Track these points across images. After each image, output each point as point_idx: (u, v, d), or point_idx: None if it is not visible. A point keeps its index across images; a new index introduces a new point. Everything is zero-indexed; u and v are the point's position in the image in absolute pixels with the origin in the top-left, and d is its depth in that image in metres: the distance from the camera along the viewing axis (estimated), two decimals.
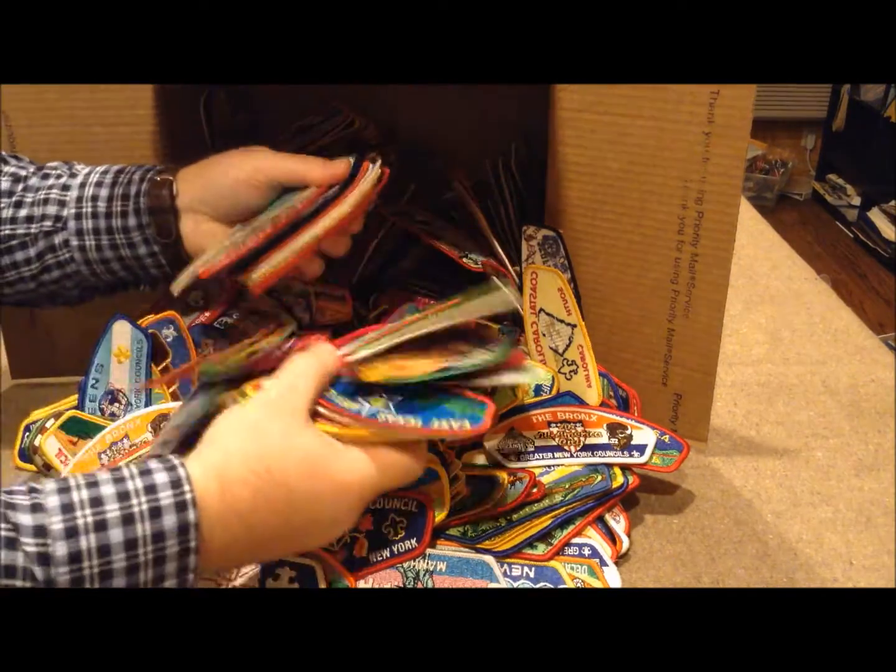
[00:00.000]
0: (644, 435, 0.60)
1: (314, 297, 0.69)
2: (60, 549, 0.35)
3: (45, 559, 0.35)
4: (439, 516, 0.53)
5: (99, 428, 0.59)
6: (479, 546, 0.54)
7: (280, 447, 0.42)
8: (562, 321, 0.66)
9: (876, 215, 3.06)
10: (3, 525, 0.35)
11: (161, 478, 0.38)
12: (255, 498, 0.40)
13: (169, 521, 0.37)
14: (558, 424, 0.61)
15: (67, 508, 0.36)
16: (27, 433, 0.62)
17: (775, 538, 0.60)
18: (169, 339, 0.63)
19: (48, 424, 0.61)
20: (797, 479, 0.66)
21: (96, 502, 0.36)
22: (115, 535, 0.36)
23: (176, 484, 0.38)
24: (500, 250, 0.71)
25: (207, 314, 0.65)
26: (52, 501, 0.36)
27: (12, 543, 0.35)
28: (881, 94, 3.06)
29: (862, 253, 3.08)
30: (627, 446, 0.59)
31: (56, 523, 0.35)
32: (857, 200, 3.21)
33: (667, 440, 0.60)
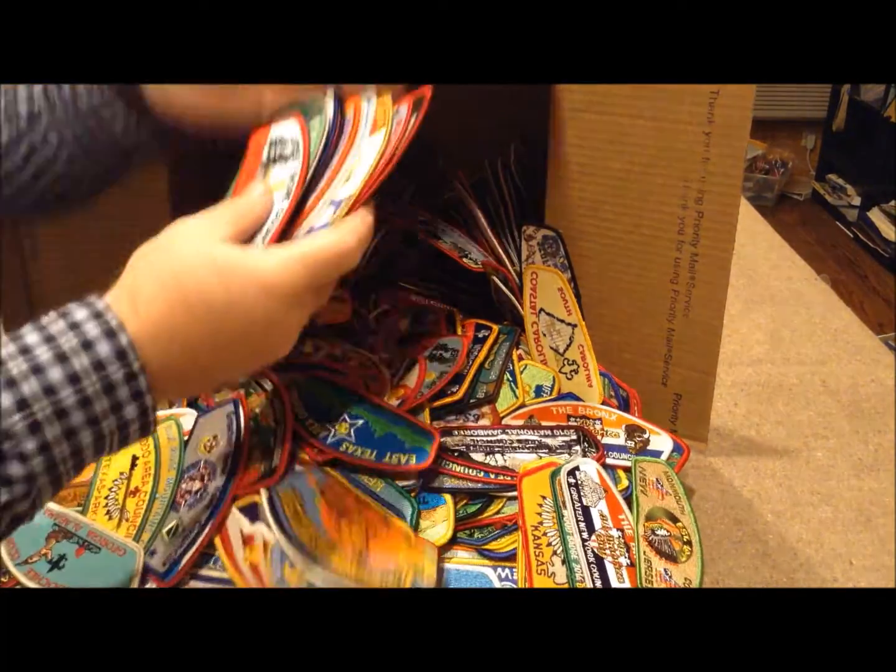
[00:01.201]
0: (661, 441, 0.60)
1: None
2: (6, 399, 0.35)
3: None
4: (443, 539, 0.53)
5: None
6: (484, 548, 0.54)
7: (190, 258, 0.41)
8: (562, 321, 0.66)
9: (876, 215, 3.06)
10: None
11: (81, 314, 0.38)
12: (171, 308, 0.40)
13: (103, 349, 0.37)
14: (577, 419, 0.61)
15: None
16: None
17: (775, 538, 0.60)
18: None
19: None
20: (797, 479, 0.66)
21: (25, 351, 0.36)
22: (55, 373, 0.36)
23: (97, 315, 0.38)
24: (500, 250, 0.71)
25: None
26: None
27: None
28: (881, 94, 3.06)
29: (862, 253, 3.08)
30: (643, 451, 0.59)
31: None
32: (857, 200, 3.20)
33: None
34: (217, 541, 0.51)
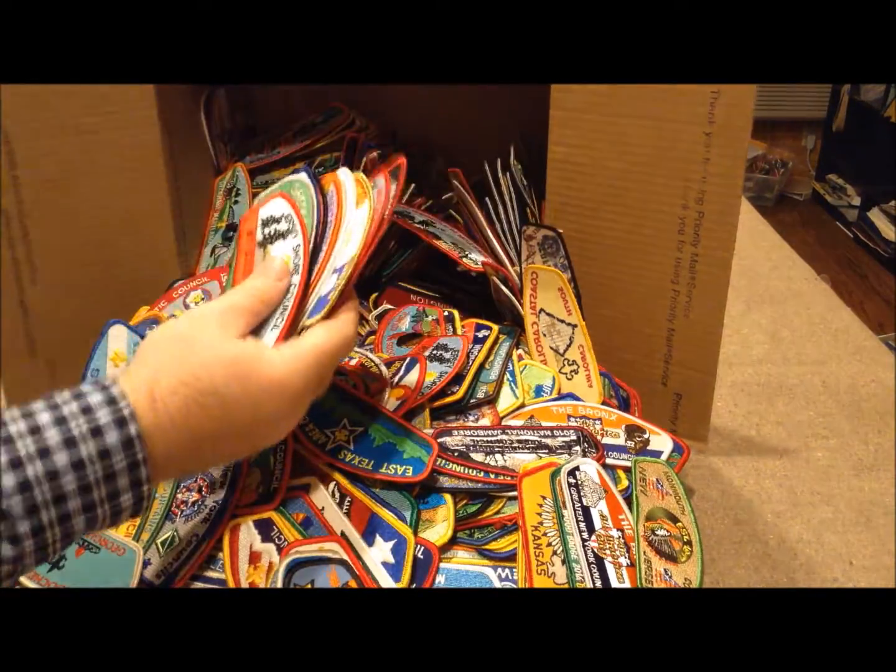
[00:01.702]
0: (661, 441, 0.60)
1: None
2: (8, 479, 0.35)
3: None
4: (443, 539, 0.53)
5: None
6: (484, 547, 0.54)
7: (207, 354, 0.43)
8: (562, 321, 0.66)
9: (876, 215, 3.06)
10: None
11: (95, 398, 0.38)
12: (187, 405, 0.41)
13: (111, 437, 0.37)
14: (577, 419, 0.61)
15: (7, 440, 0.36)
16: None
17: (775, 538, 0.60)
18: None
19: None
20: (797, 479, 0.66)
21: (35, 431, 0.36)
22: (61, 458, 0.36)
23: (111, 401, 0.38)
24: (500, 250, 0.71)
25: None
26: None
27: None
28: (881, 94, 3.06)
29: (862, 253, 3.08)
30: (643, 451, 0.59)
31: None
32: (857, 200, 3.20)
33: None
34: (225, 549, 0.51)
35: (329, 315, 0.48)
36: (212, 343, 0.43)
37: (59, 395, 0.38)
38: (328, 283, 0.49)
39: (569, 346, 0.66)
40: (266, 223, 0.54)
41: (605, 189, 0.64)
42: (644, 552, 0.50)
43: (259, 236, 0.54)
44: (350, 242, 0.50)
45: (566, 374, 0.66)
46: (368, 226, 0.50)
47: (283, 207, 0.54)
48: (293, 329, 0.48)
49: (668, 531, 0.52)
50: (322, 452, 0.55)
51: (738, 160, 0.58)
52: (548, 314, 0.66)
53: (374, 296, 0.74)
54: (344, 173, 0.56)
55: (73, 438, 0.37)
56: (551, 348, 0.67)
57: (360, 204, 0.53)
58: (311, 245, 0.51)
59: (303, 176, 0.56)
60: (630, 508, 0.54)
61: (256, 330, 0.48)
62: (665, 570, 0.50)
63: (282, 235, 0.53)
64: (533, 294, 0.67)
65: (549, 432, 0.59)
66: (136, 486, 0.39)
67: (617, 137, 0.61)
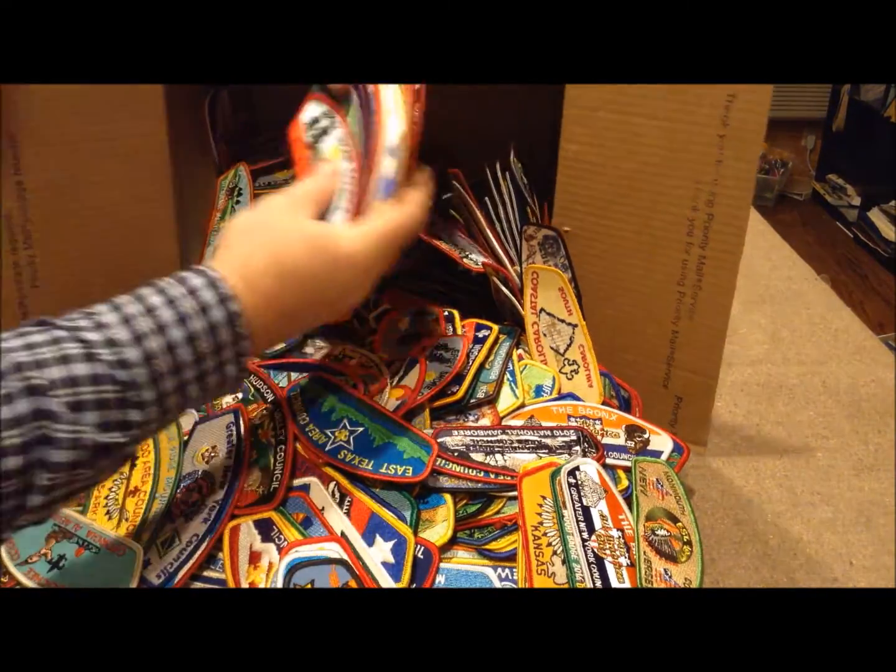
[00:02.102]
0: (661, 441, 0.60)
1: None
2: (133, 353, 0.39)
3: (122, 364, 0.39)
4: (443, 539, 0.53)
5: None
6: (484, 547, 0.54)
7: (288, 236, 0.47)
8: (563, 321, 0.66)
9: (876, 215, 3.06)
10: (75, 344, 0.38)
11: (197, 281, 0.43)
12: (276, 285, 0.45)
13: (217, 314, 0.42)
14: (578, 419, 0.61)
15: (127, 320, 0.40)
16: None
17: (775, 538, 0.60)
18: None
19: None
20: (797, 479, 0.66)
21: (150, 310, 0.41)
22: (176, 333, 0.41)
23: (213, 284, 0.43)
24: (500, 250, 0.71)
25: None
26: (111, 318, 0.40)
27: (90, 357, 0.38)
28: (881, 94, 3.06)
29: (862, 253, 3.08)
30: (643, 451, 0.59)
31: (122, 333, 0.39)
32: (857, 200, 3.20)
33: None
34: (225, 549, 0.51)
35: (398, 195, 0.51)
36: (290, 226, 0.48)
37: (161, 280, 0.43)
38: (387, 165, 0.51)
39: (569, 345, 0.66)
40: (310, 125, 0.57)
41: (615, 188, 0.63)
42: (644, 552, 0.50)
43: (307, 139, 0.57)
44: (392, 122, 0.52)
45: (566, 373, 0.66)
46: (404, 97, 0.53)
47: (319, 107, 0.57)
48: (361, 209, 0.51)
49: (668, 531, 0.52)
50: (322, 452, 0.55)
51: (751, 164, 0.58)
52: (548, 314, 0.66)
53: (373, 296, 0.74)
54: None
55: (185, 315, 0.41)
56: (551, 348, 0.66)
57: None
58: (359, 130, 0.54)
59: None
60: (630, 508, 0.54)
61: (321, 217, 0.51)
62: (665, 570, 0.50)
63: (325, 131, 0.56)
64: (533, 294, 0.67)
65: (549, 432, 0.59)
66: (239, 357, 0.44)
67: (629, 136, 0.61)
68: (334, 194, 0.52)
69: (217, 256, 0.46)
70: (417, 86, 0.55)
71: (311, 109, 0.58)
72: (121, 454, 0.40)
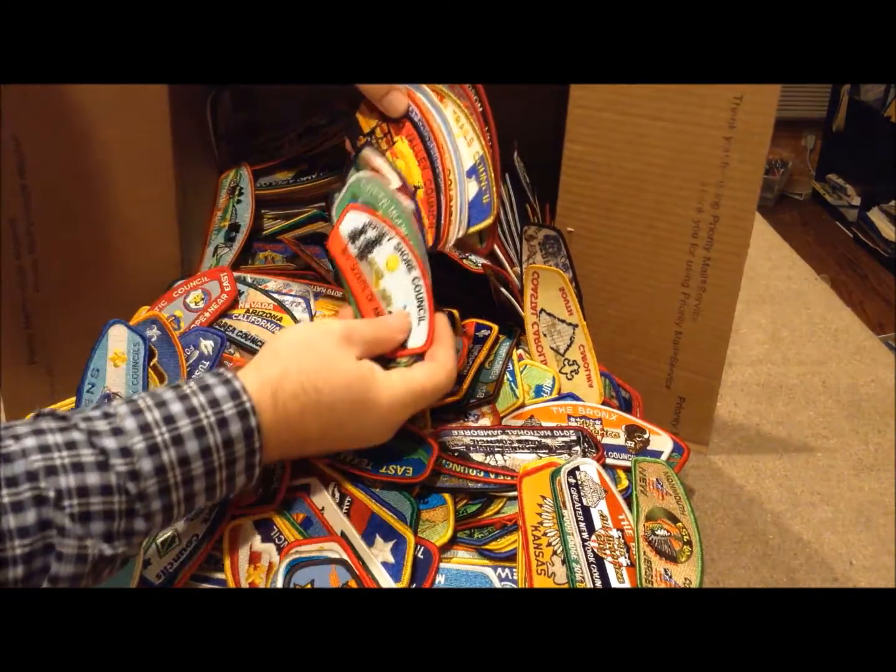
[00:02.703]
0: (661, 441, 0.60)
1: (313, 297, 0.69)
2: (146, 464, 0.39)
3: (134, 475, 0.39)
4: (443, 539, 0.53)
5: None
6: (484, 547, 0.54)
7: (329, 368, 0.47)
8: (563, 321, 0.66)
9: (876, 215, 3.06)
10: (92, 451, 0.38)
11: (220, 391, 0.43)
12: (303, 412, 0.46)
13: (235, 428, 0.42)
14: (578, 419, 0.61)
15: (145, 429, 0.40)
16: None
17: (775, 538, 0.60)
18: (153, 340, 0.63)
19: None
20: (797, 479, 0.66)
21: (169, 420, 0.41)
22: (192, 446, 0.41)
23: (234, 395, 0.43)
24: (499, 251, 0.71)
25: (208, 315, 0.65)
26: (130, 424, 0.40)
27: (104, 466, 0.38)
28: (881, 94, 3.06)
29: (862, 253, 3.08)
30: (643, 451, 0.59)
31: (138, 443, 0.39)
32: (857, 200, 3.20)
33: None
34: (225, 549, 0.51)
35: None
36: (336, 359, 0.48)
37: (186, 385, 0.43)
38: (471, 188, 0.52)
39: (569, 345, 0.66)
40: (353, 237, 0.57)
41: (619, 189, 0.63)
42: (644, 552, 0.50)
43: (354, 251, 0.56)
44: (461, 144, 0.54)
45: (566, 374, 0.66)
46: (468, 120, 0.54)
47: (360, 217, 0.56)
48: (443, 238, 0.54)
49: (668, 531, 0.52)
50: (320, 456, 0.55)
51: (757, 166, 0.58)
52: (548, 314, 0.66)
53: None
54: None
55: (202, 428, 0.41)
56: (551, 348, 0.67)
57: (445, 107, 0.57)
58: (419, 236, 0.54)
59: (362, 175, 0.57)
60: (630, 508, 0.54)
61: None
62: (665, 569, 0.50)
63: (376, 242, 0.55)
64: (534, 294, 0.67)
65: (549, 432, 0.59)
66: (250, 469, 0.44)
67: (635, 138, 0.61)
68: (411, 305, 0.53)
69: (257, 362, 0.47)
70: (480, 108, 0.55)
71: (352, 220, 0.56)
72: (121, 562, 0.41)
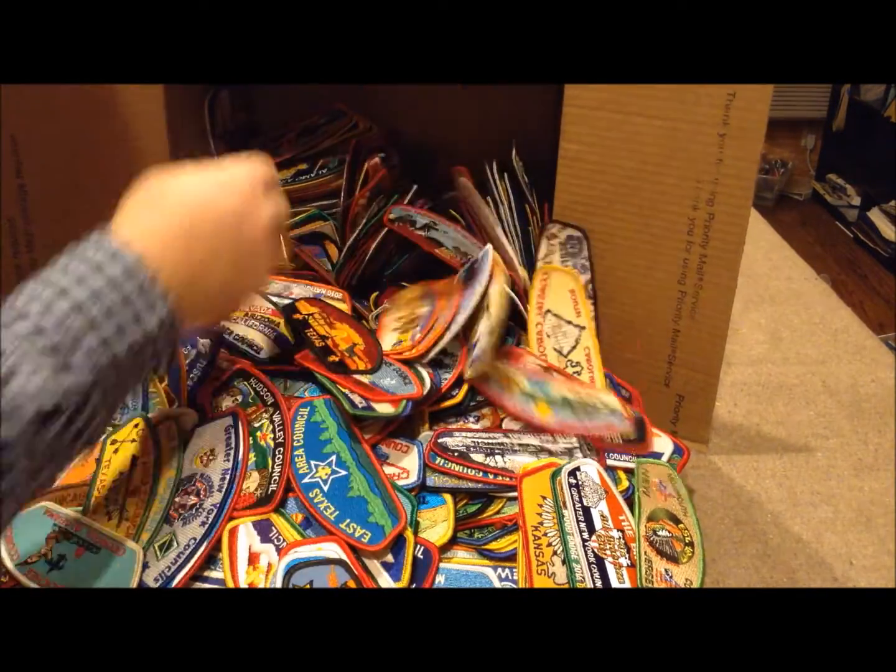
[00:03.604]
0: (661, 443, 0.60)
1: (313, 298, 0.69)
2: (48, 320, 0.39)
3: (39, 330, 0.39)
4: (443, 539, 0.53)
5: None
6: (484, 547, 0.54)
7: (190, 186, 0.48)
8: (570, 322, 0.66)
9: (876, 215, 3.06)
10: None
11: (89, 249, 0.43)
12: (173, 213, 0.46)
13: (114, 269, 0.42)
14: None
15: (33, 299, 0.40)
16: None
17: (775, 538, 0.60)
18: None
19: None
20: (797, 479, 0.66)
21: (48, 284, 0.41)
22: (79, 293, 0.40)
23: (100, 241, 0.43)
24: (509, 250, 0.70)
25: None
26: (21, 299, 0.40)
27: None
28: (881, 94, 3.06)
29: (862, 253, 3.08)
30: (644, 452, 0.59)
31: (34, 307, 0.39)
32: (857, 200, 3.20)
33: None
34: (224, 549, 0.51)
35: None
36: (192, 179, 0.48)
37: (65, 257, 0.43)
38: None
39: (574, 347, 0.65)
40: None
41: (615, 188, 0.63)
42: (645, 552, 0.50)
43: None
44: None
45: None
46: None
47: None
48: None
49: (669, 532, 0.52)
50: (297, 484, 0.54)
51: (751, 162, 0.58)
52: (554, 315, 0.66)
53: (374, 295, 0.74)
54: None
55: (82, 276, 0.41)
56: (554, 349, 0.66)
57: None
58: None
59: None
60: (631, 509, 0.54)
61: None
62: (666, 570, 0.50)
63: None
64: (540, 295, 0.67)
65: (550, 437, 0.59)
66: (150, 310, 0.42)
67: (630, 136, 0.61)
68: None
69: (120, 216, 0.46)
70: None
71: None
72: (73, 428, 0.40)
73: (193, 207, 0.47)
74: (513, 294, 0.64)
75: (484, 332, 0.60)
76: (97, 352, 0.40)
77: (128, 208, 0.47)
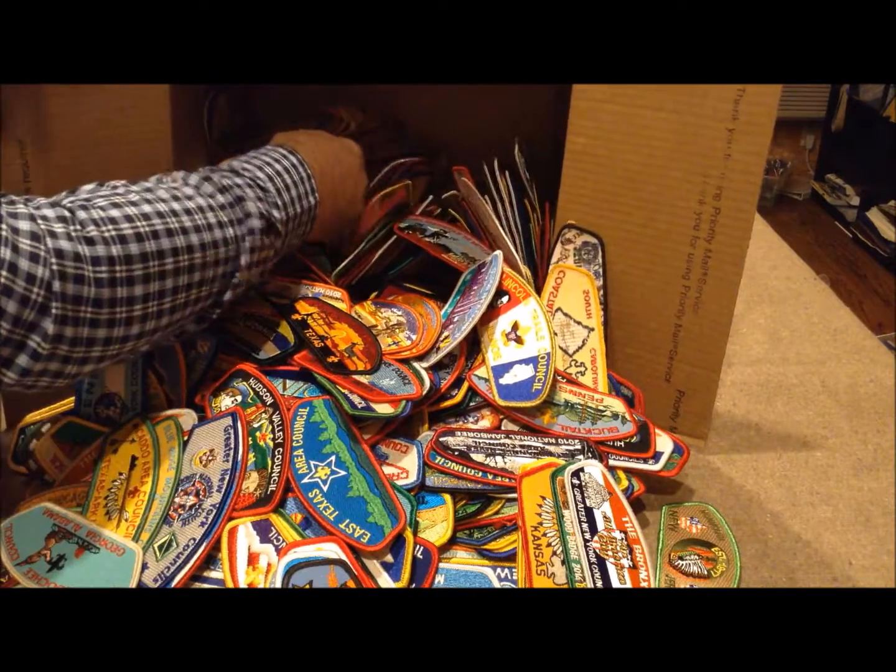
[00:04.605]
0: (662, 442, 0.60)
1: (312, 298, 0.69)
2: (261, 175, 0.59)
3: (259, 185, 0.58)
4: (443, 539, 0.53)
5: (95, 434, 0.59)
6: (484, 547, 0.54)
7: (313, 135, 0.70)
8: (579, 323, 0.66)
9: (875, 215, 3.06)
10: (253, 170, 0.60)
11: (275, 153, 0.63)
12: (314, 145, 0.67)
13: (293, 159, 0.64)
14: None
15: (259, 167, 0.60)
16: (22, 436, 0.61)
17: (775, 538, 0.60)
18: None
19: (43, 429, 0.60)
20: (797, 478, 0.66)
21: (263, 165, 0.61)
22: (278, 166, 0.62)
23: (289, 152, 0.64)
24: (513, 250, 0.70)
25: None
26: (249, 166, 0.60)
27: (255, 183, 0.58)
28: (880, 94, 3.06)
29: (861, 253, 3.08)
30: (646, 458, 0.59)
31: (261, 175, 0.59)
32: (856, 200, 3.20)
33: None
34: (224, 550, 0.51)
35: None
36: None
37: (264, 153, 0.62)
38: (524, 371, 0.62)
39: (580, 347, 0.65)
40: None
41: (621, 181, 0.63)
42: (667, 574, 0.51)
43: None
44: (530, 337, 0.63)
45: (572, 374, 0.66)
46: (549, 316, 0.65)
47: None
48: None
49: (698, 555, 0.53)
50: (297, 484, 0.54)
51: (759, 157, 0.58)
52: (565, 314, 0.66)
53: (374, 294, 0.74)
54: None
55: (275, 159, 0.61)
56: (560, 347, 0.66)
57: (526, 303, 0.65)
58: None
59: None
60: (635, 513, 0.54)
61: None
62: (692, 585, 0.50)
63: None
64: (553, 293, 0.67)
65: (552, 439, 0.59)
66: (313, 194, 0.63)
67: (637, 130, 0.61)
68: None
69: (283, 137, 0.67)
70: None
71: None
72: (281, 240, 0.59)
73: (334, 142, 0.71)
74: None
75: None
76: (289, 204, 0.59)
77: (286, 134, 0.68)
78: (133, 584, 0.49)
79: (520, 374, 0.61)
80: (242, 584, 0.49)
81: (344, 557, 0.50)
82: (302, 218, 0.61)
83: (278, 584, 0.48)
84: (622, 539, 0.51)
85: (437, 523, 0.54)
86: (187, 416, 0.59)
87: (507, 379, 0.61)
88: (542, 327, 0.63)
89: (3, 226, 0.42)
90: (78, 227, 0.45)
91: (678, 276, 0.63)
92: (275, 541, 0.52)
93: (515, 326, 0.63)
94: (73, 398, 0.62)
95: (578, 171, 0.65)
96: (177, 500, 0.54)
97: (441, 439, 0.58)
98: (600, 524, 0.52)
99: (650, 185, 0.62)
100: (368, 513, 0.52)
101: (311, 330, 0.62)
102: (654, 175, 0.62)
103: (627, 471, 0.59)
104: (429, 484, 0.56)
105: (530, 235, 0.72)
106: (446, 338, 0.63)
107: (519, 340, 0.63)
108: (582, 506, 0.53)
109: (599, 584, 0.49)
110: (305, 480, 0.54)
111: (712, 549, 0.54)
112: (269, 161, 0.59)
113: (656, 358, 0.67)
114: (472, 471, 0.56)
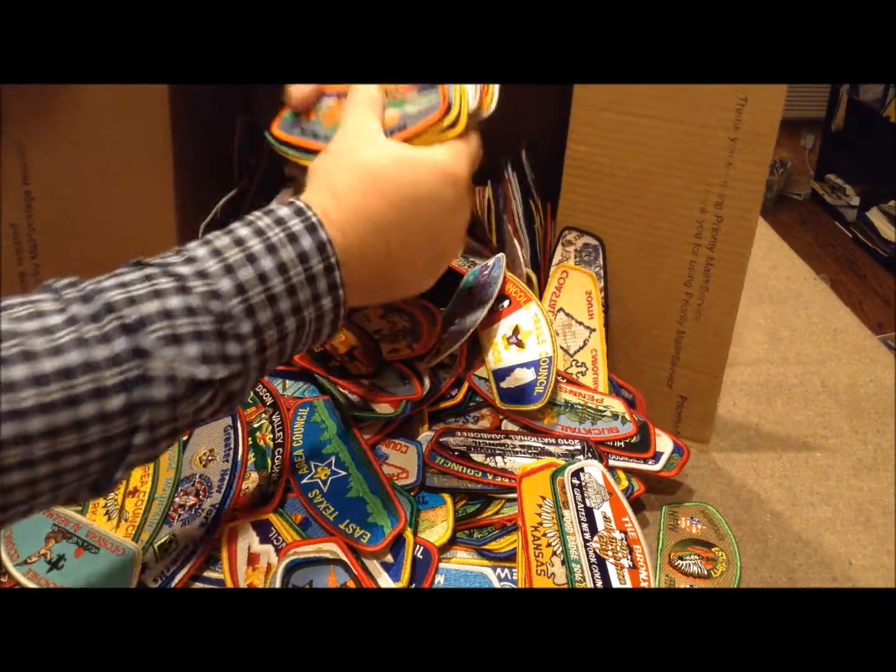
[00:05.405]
0: (662, 442, 0.60)
1: None
2: (225, 283, 0.39)
3: (215, 295, 0.38)
4: (443, 539, 0.53)
5: None
6: (484, 548, 0.54)
7: (375, 154, 0.45)
8: (581, 323, 0.66)
9: (875, 215, 3.06)
10: (167, 279, 0.38)
11: (284, 212, 0.42)
12: (367, 197, 0.44)
13: (306, 242, 0.41)
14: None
15: (216, 253, 0.39)
16: None
17: (775, 538, 0.60)
18: None
19: None
20: (797, 478, 0.66)
21: (239, 242, 0.40)
22: (266, 263, 0.40)
23: (299, 212, 0.42)
24: (517, 247, 0.70)
25: None
26: (201, 251, 0.39)
27: (183, 290, 0.38)
28: (880, 94, 3.06)
29: (861, 253, 3.08)
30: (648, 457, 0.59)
31: (213, 266, 0.39)
32: (856, 200, 3.20)
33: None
34: (223, 550, 0.51)
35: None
36: (375, 145, 0.46)
37: (249, 214, 0.42)
38: (527, 375, 0.59)
39: (581, 347, 0.66)
40: None
41: (622, 189, 0.63)
42: (667, 574, 0.51)
43: None
44: (531, 341, 0.62)
45: (572, 374, 0.66)
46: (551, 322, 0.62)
47: None
48: None
49: (699, 555, 0.53)
50: (297, 484, 0.54)
51: (762, 167, 0.58)
52: (566, 314, 0.66)
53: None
54: None
55: (273, 245, 0.40)
56: (561, 347, 0.66)
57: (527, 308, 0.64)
58: None
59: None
60: (636, 512, 0.54)
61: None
62: (692, 585, 0.50)
63: None
64: (556, 293, 0.67)
65: (553, 440, 0.59)
66: (334, 290, 0.42)
67: (638, 138, 0.61)
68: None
69: (305, 193, 0.45)
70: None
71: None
72: (224, 391, 0.39)
73: (413, 171, 0.45)
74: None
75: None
76: (270, 324, 0.40)
77: (323, 180, 0.45)
78: (132, 585, 0.49)
79: (521, 377, 0.61)
80: (242, 585, 0.49)
81: (344, 557, 0.50)
82: (308, 329, 0.42)
83: (278, 585, 0.48)
84: (622, 539, 0.51)
85: (436, 523, 0.54)
86: None
87: (508, 382, 0.61)
88: (543, 331, 0.63)
89: None
90: None
91: (680, 284, 0.63)
92: (275, 541, 0.52)
93: (516, 331, 0.63)
94: None
95: (579, 179, 0.65)
96: (177, 500, 0.54)
97: (441, 439, 0.58)
98: (600, 524, 0.52)
99: (651, 193, 0.62)
100: (368, 513, 0.52)
101: None
102: (655, 183, 0.62)
103: (627, 471, 0.59)
104: (429, 484, 0.56)
105: (535, 236, 0.72)
106: (447, 340, 0.63)
107: (520, 344, 0.63)
108: (582, 506, 0.53)
109: (599, 584, 0.49)
110: (305, 481, 0.54)
111: (712, 550, 0.54)
112: (254, 252, 0.40)
113: (659, 363, 0.67)
114: (472, 471, 0.56)
